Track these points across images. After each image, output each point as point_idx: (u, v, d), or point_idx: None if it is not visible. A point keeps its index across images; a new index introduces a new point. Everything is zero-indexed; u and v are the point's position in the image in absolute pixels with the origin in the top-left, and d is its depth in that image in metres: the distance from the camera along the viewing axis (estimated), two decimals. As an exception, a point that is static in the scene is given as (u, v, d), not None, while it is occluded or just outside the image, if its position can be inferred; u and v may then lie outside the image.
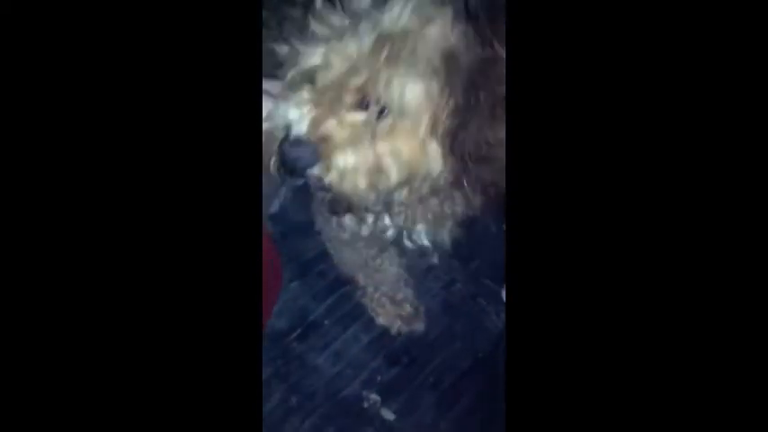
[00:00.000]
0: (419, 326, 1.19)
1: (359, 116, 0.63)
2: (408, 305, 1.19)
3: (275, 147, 0.64)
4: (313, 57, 0.64)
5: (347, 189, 0.64)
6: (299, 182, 0.66)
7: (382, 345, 1.17)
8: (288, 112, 0.64)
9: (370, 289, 1.17)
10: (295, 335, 1.16)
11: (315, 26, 0.64)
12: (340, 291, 1.20)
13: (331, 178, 0.63)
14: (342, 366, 1.13)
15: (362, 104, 0.64)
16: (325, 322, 1.18)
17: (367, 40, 0.61)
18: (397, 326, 1.18)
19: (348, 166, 0.63)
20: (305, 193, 1.05)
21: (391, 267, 1.13)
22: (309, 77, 0.65)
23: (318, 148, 0.62)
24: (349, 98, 0.63)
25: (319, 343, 1.15)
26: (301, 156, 0.63)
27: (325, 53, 0.63)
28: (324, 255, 1.16)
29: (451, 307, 1.24)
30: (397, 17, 0.62)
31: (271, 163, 0.65)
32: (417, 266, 1.23)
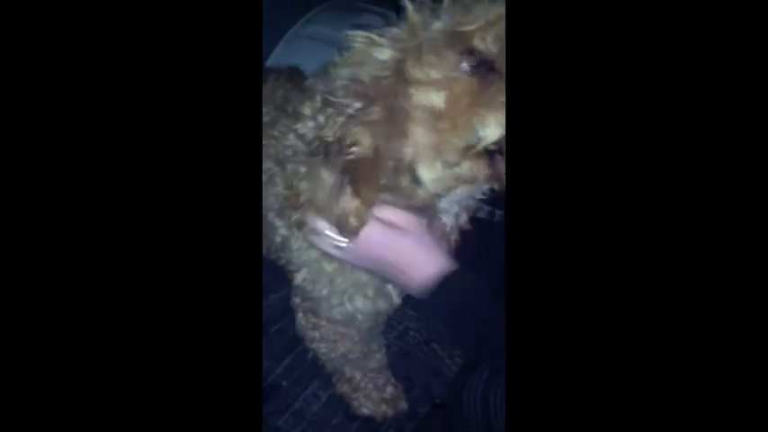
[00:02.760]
0: (403, 405, 1.11)
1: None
2: (390, 386, 1.11)
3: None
4: None
5: None
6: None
7: (342, 401, 1.14)
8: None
9: (357, 377, 1.08)
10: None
11: None
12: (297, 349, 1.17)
13: None
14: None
15: None
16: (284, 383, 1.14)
17: None
18: (382, 412, 1.09)
19: None
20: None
21: (378, 352, 1.07)
22: None
23: None
24: None
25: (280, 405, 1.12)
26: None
27: None
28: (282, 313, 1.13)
29: (407, 354, 1.24)
30: None
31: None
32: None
